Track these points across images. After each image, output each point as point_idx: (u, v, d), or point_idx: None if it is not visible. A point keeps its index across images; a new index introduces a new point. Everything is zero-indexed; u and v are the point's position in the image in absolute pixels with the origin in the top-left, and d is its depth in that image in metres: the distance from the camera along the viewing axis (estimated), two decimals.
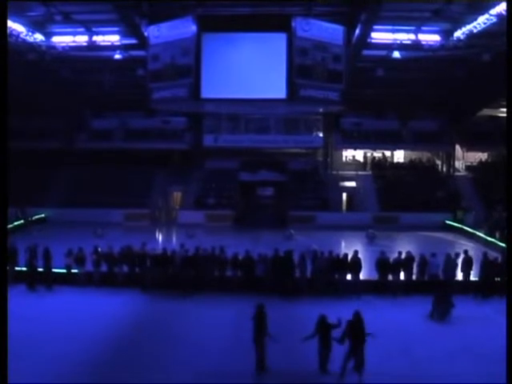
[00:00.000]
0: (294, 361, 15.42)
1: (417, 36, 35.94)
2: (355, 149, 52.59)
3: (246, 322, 16.23)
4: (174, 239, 37.86)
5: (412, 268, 23.03)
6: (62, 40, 36.78)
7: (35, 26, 34.80)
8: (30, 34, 34.64)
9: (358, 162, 52.67)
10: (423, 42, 36.25)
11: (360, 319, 14.37)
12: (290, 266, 22.65)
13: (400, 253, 23.22)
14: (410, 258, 23.08)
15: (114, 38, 37.03)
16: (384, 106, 49.50)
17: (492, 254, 24.46)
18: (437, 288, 20.35)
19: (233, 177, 46.84)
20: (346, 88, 32.71)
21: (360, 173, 49.97)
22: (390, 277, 22.88)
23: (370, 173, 49.89)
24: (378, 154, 52.73)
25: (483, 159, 52.05)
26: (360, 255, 23.25)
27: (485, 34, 32.69)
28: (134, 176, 46.58)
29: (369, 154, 52.83)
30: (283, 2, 32.26)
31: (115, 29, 36.08)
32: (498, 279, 22.40)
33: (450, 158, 50.92)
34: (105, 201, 42.95)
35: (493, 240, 32.48)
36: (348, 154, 53.80)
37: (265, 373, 14.64)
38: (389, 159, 53.29)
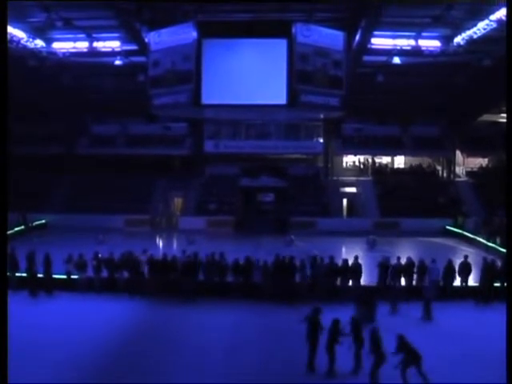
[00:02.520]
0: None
1: (417, 42, 36.01)
2: (356, 154, 52.61)
3: (246, 327, 16.32)
4: (175, 245, 37.81)
5: (412, 274, 22.95)
6: (63, 46, 36.88)
7: (36, 31, 34.87)
8: (31, 40, 34.70)
9: (357, 167, 52.66)
10: (423, 48, 36.32)
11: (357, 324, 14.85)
12: (292, 272, 22.60)
13: (398, 258, 23.14)
14: (410, 264, 23.01)
15: (114, 44, 37.13)
16: (384, 112, 49.48)
17: (491, 259, 24.39)
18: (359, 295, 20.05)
19: (233, 183, 46.82)
20: (346, 94, 32.74)
21: (360, 178, 49.99)
22: (391, 282, 22.85)
23: (370, 178, 49.88)
24: (377, 160, 52.86)
25: (484, 165, 52.02)
26: (360, 261, 23.21)
27: (485, 39, 32.74)
28: (134, 182, 46.59)
29: (363, 160, 52.81)
30: (284, 8, 32.29)
31: (116, 35, 36.18)
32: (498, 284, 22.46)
33: (450, 163, 50.94)
34: (105, 206, 43.01)
35: (493, 245, 32.45)
36: (348, 159, 53.82)
37: (313, 374, 14.87)
38: (389, 165, 53.38)
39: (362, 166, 52.43)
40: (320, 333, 15.09)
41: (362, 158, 53.00)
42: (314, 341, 15.06)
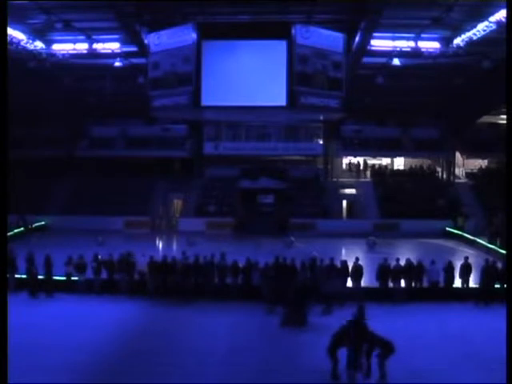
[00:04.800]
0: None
1: (416, 43, 36.00)
2: (355, 156, 52.59)
3: (246, 328, 16.19)
4: (175, 247, 37.78)
5: (411, 275, 22.94)
6: (63, 47, 36.87)
7: (35, 33, 34.87)
8: (31, 41, 34.70)
9: (354, 168, 52.60)
10: (423, 50, 36.32)
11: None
12: (291, 274, 22.53)
13: (398, 260, 23.13)
14: (409, 266, 22.99)
15: (114, 46, 37.12)
16: (384, 114, 49.54)
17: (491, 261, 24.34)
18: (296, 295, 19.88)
19: (233, 184, 46.76)
20: (346, 95, 32.84)
21: (360, 180, 50.01)
22: (391, 284, 22.86)
23: (369, 180, 49.90)
24: (373, 161, 52.99)
25: (483, 166, 52.03)
26: (361, 262, 23.18)
27: (484, 41, 32.75)
28: (134, 184, 46.58)
29: (355, 162, 52.82)
30: (283, 10, 32.31)
31: (115, 36, 36.16)
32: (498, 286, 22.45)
33: (450, 165, 50.90)
34: (105, 208, 42.96)
35: (493, 247, 32.42)
36: (348, 161, 53.80)
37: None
38: (389, 166, 53.39)
39: (353, 167, 52.38)
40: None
41: (353, 159, 52.94)
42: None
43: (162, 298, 22.38)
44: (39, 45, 35.70)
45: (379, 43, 36.26)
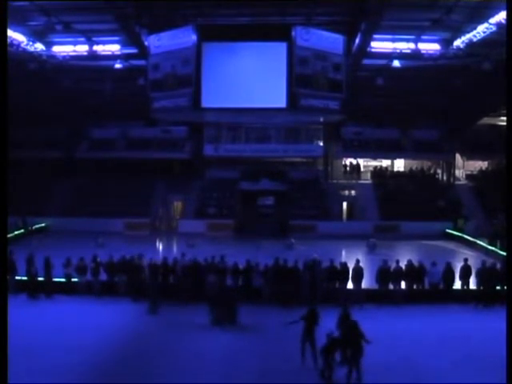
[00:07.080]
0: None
1: (416, 45, 36.00)
2: (355, 158, 52.55)
3: (246, 329, 16.21)
4: (175, 249, 37.75)
5: (412, 277, 22.92)
6: (63, 49, 36.88)
7: (36, 35, 34.87)
8: (31, 43, 34.70)
9: (350, 170, 52.53)
10: (423, 51, 36.33)
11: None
12: (291, 275, 22.51)
13: (398, 261, 23.11)
14: (410, 267, 22.98)
15: (114, 48, 37.12)
16: (384, 115, 49.50)
17: (490, 262, 24.32)
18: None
19: (233, 186, 46.78)
20: (346, 97, 32.82)
21: (360, 182, 50.01)
22: (391, 286, 22.84)
23: (370, 182, 49.90)
24: (376, 163, 53.01)
25: (483, 168, 52.03)
26: (361, 264, 23.16)
27: (484, 42, 32.75)
28: (134, 185, 46.60)
29: (347, 163, 52.82)
30: (283, 11, 32.33)
31: (115, 38, 36.16)
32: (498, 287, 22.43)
33: (450, 166, 50.94)
34: (105, 210, 42.98)
35: (493, 249, 32.39)
36: (348, 163, 53.73)
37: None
38: (389, 168, 53.41)
39: (348, 169, 52.34)
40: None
41: (349, 161, 52.91)
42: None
43: (163, 300, 22.34)
44: (39, 47, 35.68)
45: (379, 45, 36.26)
